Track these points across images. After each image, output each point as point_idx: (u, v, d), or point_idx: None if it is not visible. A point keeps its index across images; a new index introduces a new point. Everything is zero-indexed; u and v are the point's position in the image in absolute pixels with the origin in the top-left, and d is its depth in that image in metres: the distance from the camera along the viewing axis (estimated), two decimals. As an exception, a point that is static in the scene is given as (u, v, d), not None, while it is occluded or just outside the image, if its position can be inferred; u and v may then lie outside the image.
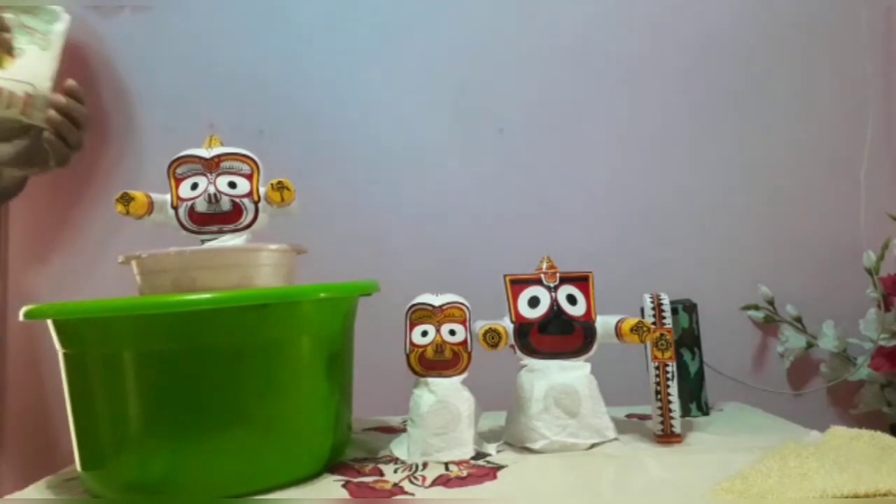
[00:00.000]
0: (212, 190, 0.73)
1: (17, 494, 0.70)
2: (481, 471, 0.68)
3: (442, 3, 1.14)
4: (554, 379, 0.74)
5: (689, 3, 1.13)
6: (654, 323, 0.77)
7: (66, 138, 0.74)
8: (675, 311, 0.87)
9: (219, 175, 0.74)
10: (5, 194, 0.91)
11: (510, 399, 0.78)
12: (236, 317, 0.63)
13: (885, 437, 0.70)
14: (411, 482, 0.66)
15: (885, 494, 0.55)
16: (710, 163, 1.12)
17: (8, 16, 0.73)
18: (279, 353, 0.67)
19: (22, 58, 0.73)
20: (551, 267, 0.80)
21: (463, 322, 0.74)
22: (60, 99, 0.74)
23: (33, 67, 0.74)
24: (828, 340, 1.06)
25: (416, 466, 0.70)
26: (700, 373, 0.89)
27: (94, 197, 1.11)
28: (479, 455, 0.73)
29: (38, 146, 0.77)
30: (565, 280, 0.79)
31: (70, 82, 0.76)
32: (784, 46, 1.13)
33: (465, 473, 0.68)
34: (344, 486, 0.66)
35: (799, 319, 1.08)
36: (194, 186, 0.74)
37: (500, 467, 0.69)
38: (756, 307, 1.10)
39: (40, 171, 0.79)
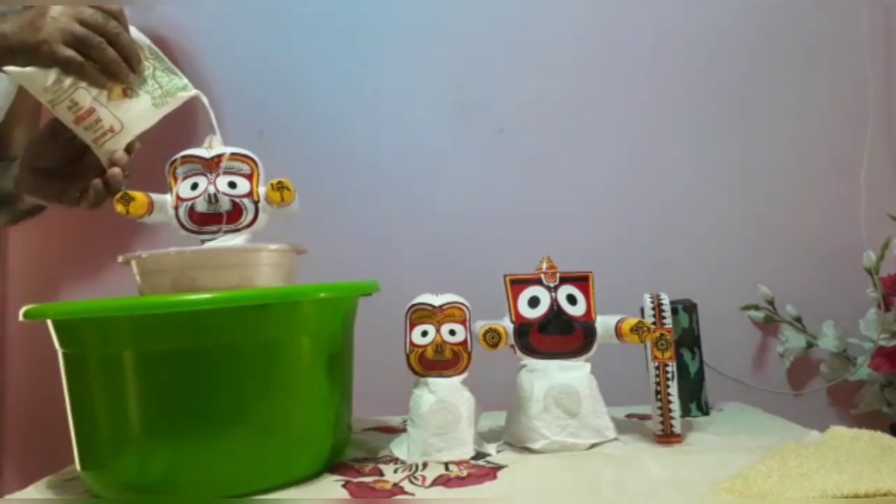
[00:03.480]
0: (212, 190, 0.73)
1: (18, 494, 0.70)
2: (481, 471, 0.68)
3: (442, 4, 1.14)
4: (554, 379, 0.74)
5: (689, 4, 1.13)
6: (654, 323, 0.76)
7: (109, 185, 0.76)
8: (675, 311, 0.87)
9: (219, 175, 0.74)
10: (23, 216, 0.94)
11: (510, 399, 0.78)
12: (236, 317, 0.63)
13: (885, 437, 0.70)
14: (411, 482, 0.66)
15: (885, 494, 0.55)
16: (710, 163, 1.12)
17: (146, 63, 0.76)
18: (279, 353, 0.66)
19: (132, 100, 0.75)
20: (551, 267, 0.80)
21: (463, 322, 0.74)
22: (124, 156, 0.76)
23: (134, 114, 0.75)
24: (828, 340, 1.06)
25: (416, 466, 0.70)
26: (700, 373, 0.89)
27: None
28: (479, 455, 0.73)
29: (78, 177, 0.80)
30: (565, 280, 0.79)
31: (137, 143, 0.78)
32: (784, 46, 1.13)
33: (465, 473, 0.68)
34: (344, 486, 0.66)
35: (799, 319, 1.08)
36: (194, 186, 0.74)
37: (500, 467, 0.69)
38: (756, 307, 1.10)
39: (63, 202, 0.81)
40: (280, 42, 1.14)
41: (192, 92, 0.78)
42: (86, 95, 0.71)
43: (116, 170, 0.75)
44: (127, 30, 0.72)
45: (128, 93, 0.74)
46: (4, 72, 0.70)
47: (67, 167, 0.79)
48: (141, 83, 0.75)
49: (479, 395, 0.74)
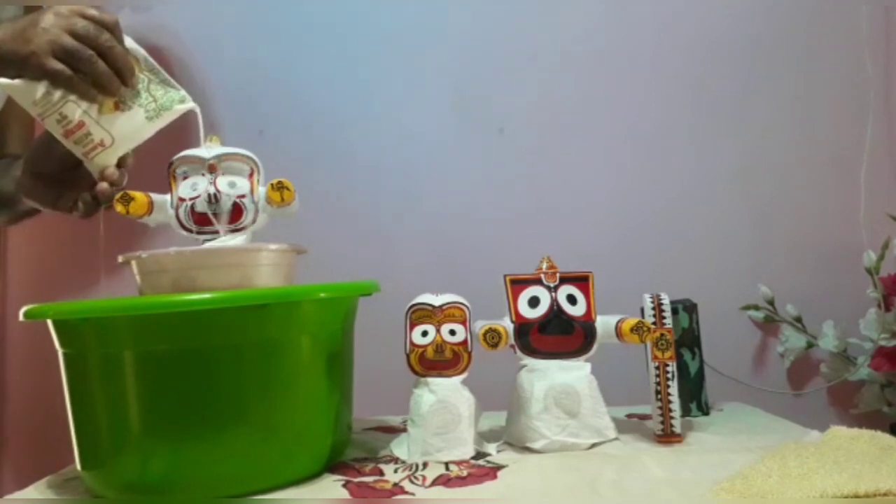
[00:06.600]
0: (212, 190, 0.73)
1: (18, 494, 0.69)
2: (481, 471, 0.68)
3: (442, 4, 1.14)
4: (554, 379, 0.74)
5: (689, 4, 1.13)
6: (654, 323, 0.76)
7: (98, 199, 0.75)
8: (675, 311, 0.87)
9: (219, 175, 0.74)
10: (22, 216, 0.94)
11: (510, 399, 0.78)
12: (236, 317, 0.63)
13: (885, 437, 0.70)
14: (411, 482, 0.66)
15: (885, 494, 0.55)
16: (710, 163, 1.12)
17: (140, 75, 0.74)
18: (279, 353, 0.66)
19: (125, 114, 0.73)
20: (551, 267, 0.80)
21: (463, 322, 0.74)
22: (114, 172, 0.75)
23: (126, 128, 0.73)
24: (828, 340, 1.06)
25: (417, 466, 0.70)
26: (700, 373, 0.89)
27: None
28: (479, 455, 0.73)
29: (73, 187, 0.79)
30: (565, 280, 0.79)
31: (131, 157, 0.77)
32: (784, 47, 1.13)
33: (465, 473, 0.68)
34: (344, 486, 0.66)
35: (799, 319, 1.09)
36: (194, 186, 0.74)
37: (500, 467, 0.69)
38: (756, 307, 1.10)
39: (53, 208, 0.80)
40: (280, 42, 1.14)
41: (190, 104, 0.76)
42: (75, 109, 0.70)
43: (104, 185, 0.74)
44: (121, 42, 0.71)
45: (120, 106, 0.72)
46: None
47: (65, 174, 0.78)
48: (134, 96, 0.73)
49: (479, 395, 0.74)
